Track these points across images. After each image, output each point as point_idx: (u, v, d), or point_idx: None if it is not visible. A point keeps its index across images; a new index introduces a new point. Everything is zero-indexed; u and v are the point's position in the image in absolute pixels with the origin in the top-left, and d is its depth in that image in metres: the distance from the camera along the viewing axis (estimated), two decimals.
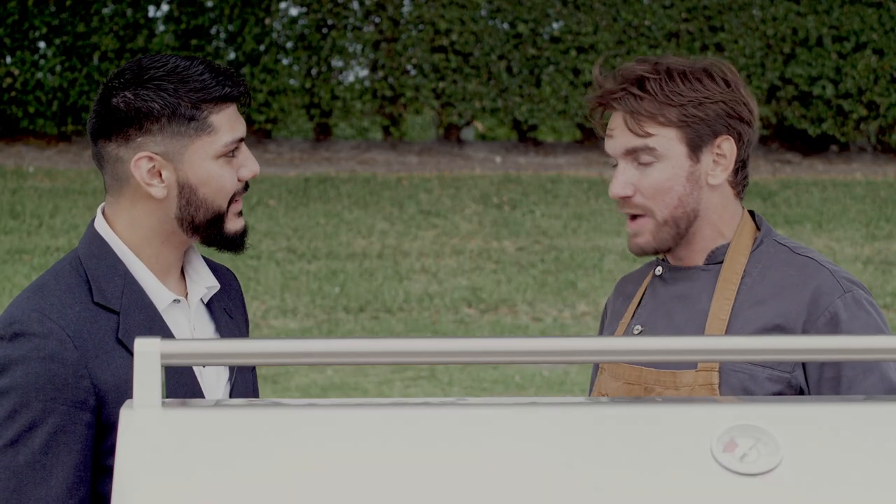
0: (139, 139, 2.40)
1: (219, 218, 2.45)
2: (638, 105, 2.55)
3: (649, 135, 2.55)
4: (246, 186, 2.49)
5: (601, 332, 2.87)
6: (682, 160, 2.57)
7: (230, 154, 2.44)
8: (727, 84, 2.59)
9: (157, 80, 2.40)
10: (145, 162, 2.40)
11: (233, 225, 2.48)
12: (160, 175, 2.41)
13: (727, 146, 2.59)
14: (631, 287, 2.78)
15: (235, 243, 2.50)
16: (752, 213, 2.69)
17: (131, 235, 2.44)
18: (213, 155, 2.42)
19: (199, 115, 2.41)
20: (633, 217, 2.61)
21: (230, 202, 2.46)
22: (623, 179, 2.58)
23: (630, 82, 2.56)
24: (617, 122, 2.59)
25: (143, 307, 2.41)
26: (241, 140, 2.47)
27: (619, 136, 2.58)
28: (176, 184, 2.42)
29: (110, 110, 2.42)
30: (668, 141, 2.56)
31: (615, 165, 2.61)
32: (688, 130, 2.56)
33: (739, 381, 2.50)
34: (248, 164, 2.48)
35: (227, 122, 2.44)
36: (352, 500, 1.59)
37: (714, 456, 1.60)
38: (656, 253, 2.63)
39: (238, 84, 2.45)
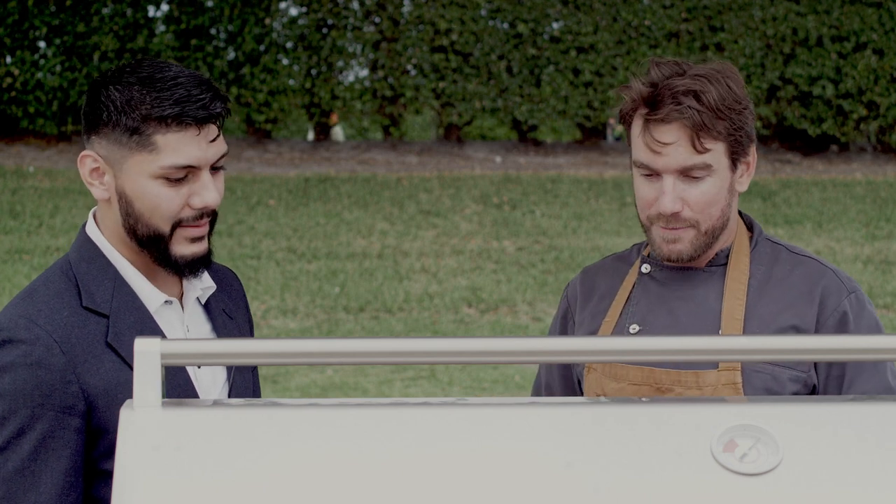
0: (92, 137, 2.38)
1: (159, 238, 2.36)
2: (700, 120, 2.46)
3: (707, 150, 2.48)
4: (204, 215, 2.36)
5: (563, 330, 2.78)
6: (726, 172, 2.52)
7: (172, 178, 2.33)
8: (740, 88, 2.52)
9: (120, 85, 2.35)
10: (89, 161, 2.38)
11: (181, 249, 2.37)
12: (104, 177, 2.38)
13: (753, 152, 2.56)
14: (604, 284, 2.70)
15: (180, 268, 2.38)
16: (739, 212, 2.66)
17: (109, 236, 2.42)
18: (149, 174, 2.33)
19: (143, 129, 2.32)
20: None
21: (176, 226, 2.35)
22: (674, 195, 2.50)
23: (683, 94, 2.47)
24: (672, 136, 2.48)
25: (133, 310, 2.38)
26: (191, 167, 2.33)
27: (676, 153, 2.48)
28: (115, 190, 2.37)
29: (84, 106, 2.43)
30: (719, 155, 2.50)
31: (647, 175, 2.52)
32: (733, 143, 2.50)
33: (762, 382, 2.48)
34: (203, 193, 2.35)
35: (176, 146, 2.32)
36: (352, 500, 1.59)
37: (714, 456, 1.60)
38: (690, 260, 2.56)
39: (204, 108, 2.32)
